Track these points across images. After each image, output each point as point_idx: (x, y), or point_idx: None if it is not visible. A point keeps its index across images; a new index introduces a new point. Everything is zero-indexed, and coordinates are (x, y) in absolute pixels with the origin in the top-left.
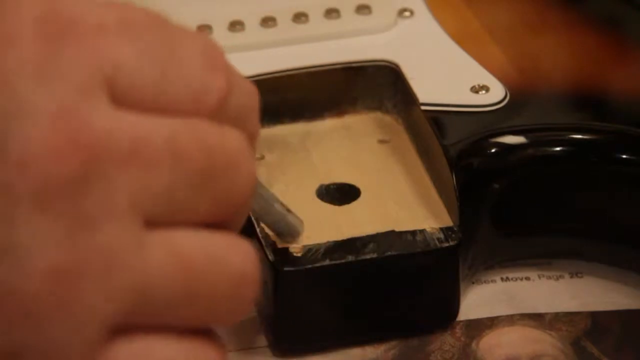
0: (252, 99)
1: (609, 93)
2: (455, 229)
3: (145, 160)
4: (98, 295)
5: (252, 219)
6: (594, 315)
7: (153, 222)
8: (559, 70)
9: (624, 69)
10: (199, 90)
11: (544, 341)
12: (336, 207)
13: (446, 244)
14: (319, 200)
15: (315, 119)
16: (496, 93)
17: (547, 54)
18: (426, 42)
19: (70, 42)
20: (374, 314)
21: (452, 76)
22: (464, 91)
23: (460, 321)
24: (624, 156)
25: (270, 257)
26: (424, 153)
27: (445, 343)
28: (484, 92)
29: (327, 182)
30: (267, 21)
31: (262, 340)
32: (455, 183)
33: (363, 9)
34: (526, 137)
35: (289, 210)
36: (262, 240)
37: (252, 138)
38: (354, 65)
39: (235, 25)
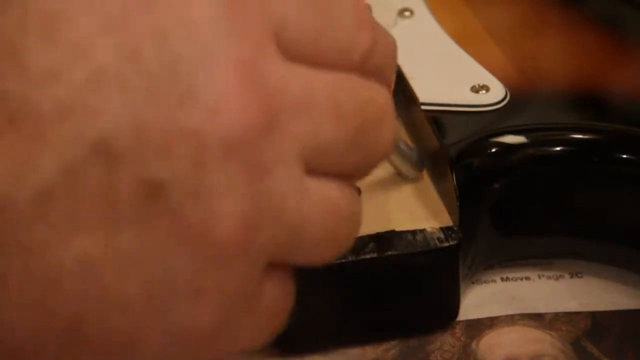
0: (391, 51)
1: (609, 93)
2: (455, 228)
3: (314, 111)
4: (268, 238)
5: None
6: (594, 315)
7: (311, 172)
8: (559, 70)
9: (624, 69)
10: (349, 46)
11: (544, 341)
12: None
13: (446, 244)
14: None
15: None
16: (496, 93)
17: (547, 54)
18: (426, 42)
19: None
20: (374, 314)
21: (452, 76)
22: (464, 91)
23: (460, 321)
24: (624, 156)
25: None
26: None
27: (445, 343)
28: (484, 92)
29: None
30: None
31: None
32: (455, 183)
33: None
34: (526, 137)
35: (410, 147)
36: None
37: (389, 88)
38: None
39: None
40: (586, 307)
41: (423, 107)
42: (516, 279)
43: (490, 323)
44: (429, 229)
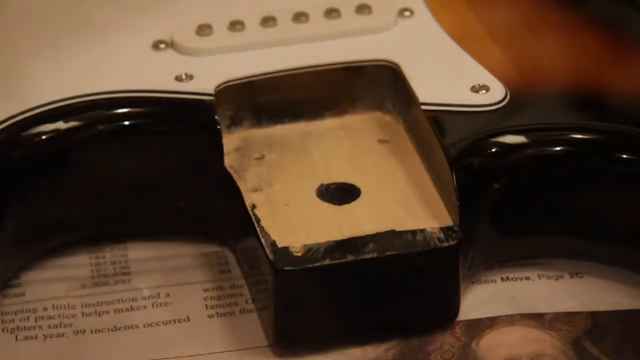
0: None
1: (609, 93)
2: (455, 228)
3: None
4: None
5: (252, 219)
6: (594, 315)
7: None
8: (558, 70)
9: (624, 69)
10: None
11: (544, 341)
12: (336, 207)
13: (446, 244)
14: (319, 200)
15: (315, 118)
16: (496, 93)
17: (547, 54)
18: (426, 42)
19: None
20: (374, 314)
21: (452, 76)
22: (464, 91)
23: (460, 321)
24: (624, 156)
25: (271, 257)
26: (424, 153)
27: (445, 343)
28: (484, 92)
29: (327, 181)
30: (267, 21)
31: (262, 340)
32: (455, 183)
33: (363, 9)
34: (526, 137)
35: None
36: (262, 240)
37: None
38: (354, 65)
39: (235, 25)
40: (586, 307)
41: (423, 107)
42: (516, 279)
43: (490, 323)
44: (429, 229)
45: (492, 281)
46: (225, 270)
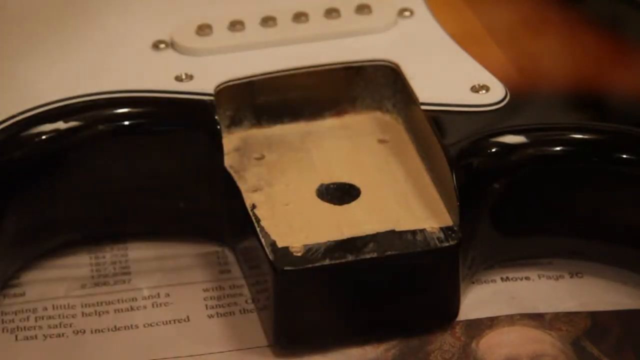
0: None
1: (609, 93)
2: (455, 228)
3: None
4: None
5: (252, 219)
6: (594, 315)
7: None
8: (558, 70)
9: (624, 69)
10: None
11: (544, 341)
12: (336, 207)
13: (446, 244)
14: (319, 200)
15: (315, 118)
16: (496, 93)
17: (547, 54)
18: (426, 42)
19: None
20: (374, 314)
21: (452, 76)
22: (464, 91)
23: (460, 321)
24: (624, 156)
25: (271, 257)
26: (424, 153)
27: (445, 343)
28: (484, 92)
29: (327, 181)
30: (267, 21)
31: (262, 340)
32: (455, 183)
33: (363, 9)
34: (526, 137)
35: None
36: (262, 240)
37: None
38: (354, 65)
39: (235, 25)
40: (586, 307)
41: (423, 107)
42: (516, 279)
43: (490, 323)
44: (429, 229)
45: (492, 281)
46: (225, 270)
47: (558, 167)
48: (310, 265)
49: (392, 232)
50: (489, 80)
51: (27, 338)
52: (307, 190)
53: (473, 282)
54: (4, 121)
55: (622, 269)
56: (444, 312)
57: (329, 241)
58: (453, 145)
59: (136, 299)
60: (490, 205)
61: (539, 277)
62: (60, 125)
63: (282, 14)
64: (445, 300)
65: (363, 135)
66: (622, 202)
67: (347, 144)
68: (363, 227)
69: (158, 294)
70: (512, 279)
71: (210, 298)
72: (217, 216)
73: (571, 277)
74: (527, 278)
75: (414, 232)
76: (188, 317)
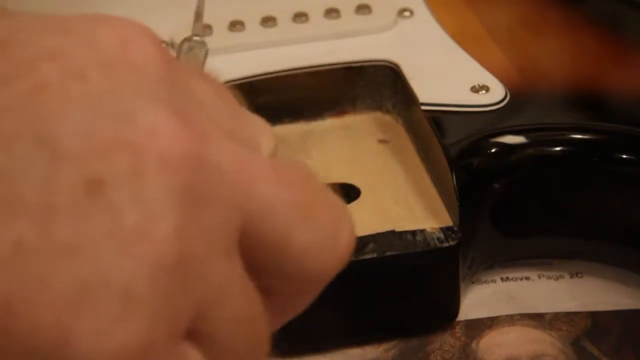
0: None
1: (609, 93)
2: (455, 229)
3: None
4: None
5: None
6: (594, 315)
7: None
8: (558, 70)
9: (624, 69)
10: None
11: (544, 341)
12: None
13: (446, 244)
14: None
15: (315, 118)
16: (496, 93)
17: (547, 53)
18: (426, 42)
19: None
20: (374, 314)
21: (452, 76)
22: (464, 91)
23: (460, 321)
24: (624, 156)
25: None
26: (424, 153)
27: (445, 343)
28: (484, 92)
29: (326, 181)
30: (267, 21)
31: None
32: (455, 183)
33: (363, 9)
34: (526, 137)
35: None
36: None
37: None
38: (354, 65)
39: (235, 25)
40: (586, 307)
41: (423, 107)
42: (516, 279)
43: (490, 323)
44: (429, 229)
45: (492, 281)
46: None
47: (558, 167)
48: None
49: (392, 232)
50: (489, 80)
51: None
52: None
53: (473, 282)
54: None
55: (622, 269)
56: (444, 312)
57: None
58: (453, 145)
59: None
60: (490, 205)
61: (539, 277)
62: None
63: (282, 14)
64: (445, 301)
65: (363, 135)
66: (622, 202)
67: (347, 144)
68: (363, 228)
69: None
70: (512, 279)
71: None
72: None
73: (571, 277)
74: (527, 278)
75: (413, 233)
76: None
